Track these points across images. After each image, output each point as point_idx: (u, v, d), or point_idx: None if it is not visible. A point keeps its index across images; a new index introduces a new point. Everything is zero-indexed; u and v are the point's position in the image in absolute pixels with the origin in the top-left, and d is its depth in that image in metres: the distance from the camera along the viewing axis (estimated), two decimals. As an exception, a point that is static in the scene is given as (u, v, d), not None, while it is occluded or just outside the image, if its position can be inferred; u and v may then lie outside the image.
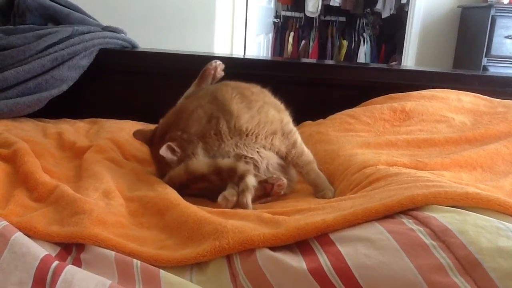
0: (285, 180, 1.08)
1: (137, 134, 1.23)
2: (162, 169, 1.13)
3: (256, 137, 1.11)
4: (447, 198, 0.76)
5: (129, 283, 0.69)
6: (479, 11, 3.49)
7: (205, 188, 1.07)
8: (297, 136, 1.17)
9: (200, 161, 1.06)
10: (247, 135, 1.10)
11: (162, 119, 1.19)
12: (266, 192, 1.07)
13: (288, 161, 1.15)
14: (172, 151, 1.07)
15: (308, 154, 1.17)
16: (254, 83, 1.21)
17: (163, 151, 1.05)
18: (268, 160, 1.11)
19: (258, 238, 0.74)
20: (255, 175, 1.06)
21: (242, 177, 1.00)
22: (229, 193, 1.00)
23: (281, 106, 1.20)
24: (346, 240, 0.70)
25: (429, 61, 3.79)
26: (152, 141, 1.17)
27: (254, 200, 1.01)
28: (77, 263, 0.76)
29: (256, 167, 1.08)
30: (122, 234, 0.84)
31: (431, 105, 1.40)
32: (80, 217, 0.84)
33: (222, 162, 1.04)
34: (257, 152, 1.10)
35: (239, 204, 0.98)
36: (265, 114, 1.12)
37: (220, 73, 1.32)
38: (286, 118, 1.18)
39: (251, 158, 1.09)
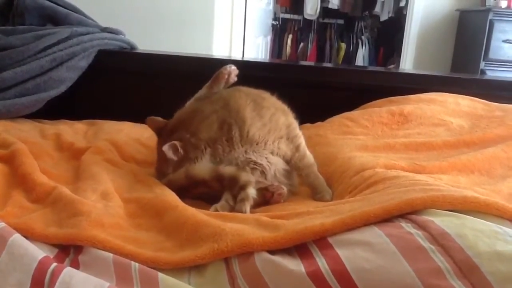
0: (285, 189, 1.08)
1: (150, 121, 1.21)
2: (160, 162, 1.14)
3: (265, 143, 1.11)
4: (446, 202, 0.76)
5: (127, 285, 0.69)
6: (477, 15, 3.51)
7: (205, 193, 1.07)
8: (301, 140, 1.18)
9: (202, 166, 1.06)
10: (257, 144, 1.10)
11: (177, 113, 1.18)
12: (266, 200, 1.07)
13: (291, 164, 1.15)
14: (175, 150, 1.07)
15: (309, 157, 1.17)
16: (252, 86, 1.21)
17: (166, 148, 1.05)
18: (276, 166, 1.12)
19: (257, 241, 0.74)
20: (261, 182, 1.06)
21: (243, 187, 1.01)
22: (221, 206, 1.00)
23: (288, 110, 1.20)
24: (344, 244, 0.70)
25: (427, 64, 3.79)
26: (162, 132, 1.17)
27: (253, 208, 1.01)
28: (75, 265, 0.75)
29: (263, 174, 1.09)
30: (120, 236, 0.83)
31: (429, 109, 1.41)
32: (78, 219, 0.84)
33: (224, 170, 1.04)
34: (266, 158, 1.10)
35: (237, 212, 0.98)
36: (276, 122, 1.13)
37: (233, 78, 1.31)
38: (294, 123, 1.18)
39: (260, 164, 1.09)
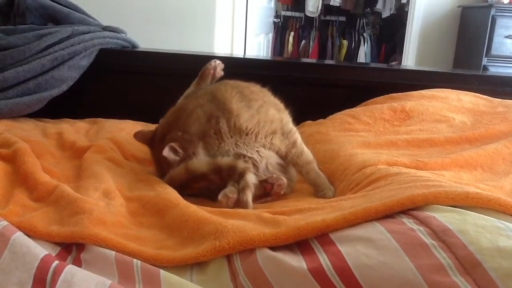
0: (285, 180, 1.08)
1: (138, 136, 1.23)
2: (162, 169, 1.13)
3: (256, 136, 1.10)
4: (447, 198, 0.75)
5: (129, 283, 0.69)
6: (479, 11, 3.49)
7: (205, 187, 1.07)
8: (297, 135, 1.17)
9: (200, 161, 1.06)
10: (247, 134, 1.10)
11: (161, 119, 1.19)
12: (266, 192, 1.06)
13: (287, 160, 1.15)
14: (175, 151, 1.07)
15: (308, 153, 1.17)
16: (254, 83, 1.21)
17: (166, 152, 1.05)
18: (268, 159, 1.11)
19: (258, 237, 0.74)
20: (256, 174, 1.06)
21: (242, 174, 1.00)
22: (229, 190, 0.99)
23: (281, 106, 1.20)
24: (346, 240, 0.70)
25: (429, 61, 3.79)
26: (153, 142, 1.17)
27: (254, 200, 1.01)
28: (77, 263, 0.76)
29: (255, 166, 1.08)
30: (122, 234, 0.84)
31: (431, 105, 1.40)
32: (80, 217, 0.84)
33: (221, 161, 1.04)
34: (257, 151, 1.10)
35: (239, 202, 0.98)
36: (265, 113, 1.12)
37: (219, 72, 1.32)
38: (286, 117, 1.18)
39: (250, 157, 1.09)
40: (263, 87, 1.21)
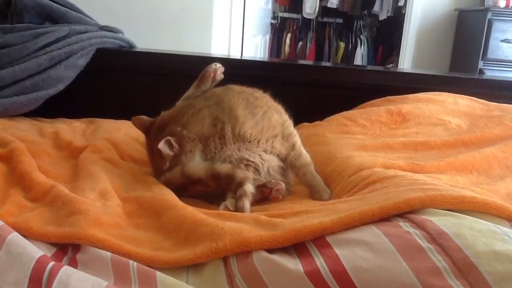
0: (283, 185, 1.08)
1: (136, 121, 1.22)
2: (154, 160, 1.14)
3: (258, 142, 1.11)
4: (444, 202, 0.76)
5: (126, 284, 0.69)
6: (475, 14, 3.51)
7: (202, 190, 1.07)
8: (296, 138, 1.18)
9: (197, 165, 1.06)
10: (249, 141, 1.10)
11: (164, 111, 1.18)
12: (264, 197, 1.07)
13: (287, 163, 1.15)
14: (170, 146, 1.07)
15: (306, 156, 1.17)
16: (251, 84, 1.21)
17: (161, 145, 1.05)
18: (269, 163, 1.12)
19: (255, 240, 0.74)
20: (256, 179, 1.06)
21: (240, 184, 1.01)
22: (230, 202, 1.00)
23: (282, 109, 1.20)
24: (343, 243, 0.70)
25: (426, 63, 3.80)
26: (150, 130, 1.17)
27: (252, 205, 1.01)
28: (73, 263, 0.75)
29: (257, 170, 1.09)
30: (118, 235, 0.83)
31: (427, 108, 1.41)
32: (76, 218, 0.84)
33: (220, 168, 1.04)
34: (259, 155, 1.11)
35: (236, 209, 0.98)
36: (268, 119, 1.13)
37: (220, 75, 1.32)
38: (288, 121, 1.19)
39: (252, 162, 1.09)
40: (260, 88, 1.21)
